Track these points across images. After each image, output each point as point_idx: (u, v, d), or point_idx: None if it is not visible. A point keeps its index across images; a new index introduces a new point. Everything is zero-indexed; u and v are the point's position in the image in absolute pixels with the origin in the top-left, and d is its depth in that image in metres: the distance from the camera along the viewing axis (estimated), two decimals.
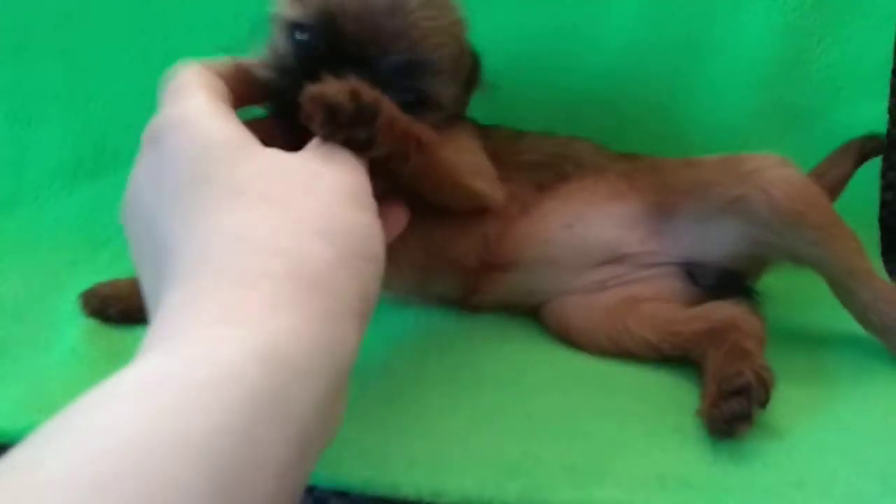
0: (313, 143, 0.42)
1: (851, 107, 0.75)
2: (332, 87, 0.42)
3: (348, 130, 0.42)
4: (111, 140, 0.76)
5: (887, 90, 0.75)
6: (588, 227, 0.62)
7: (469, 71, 0.59)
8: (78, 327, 0.58)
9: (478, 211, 0.60)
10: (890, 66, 0.74)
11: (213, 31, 0.74)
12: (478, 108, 0.65)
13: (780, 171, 0.57)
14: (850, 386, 0.55)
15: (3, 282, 0.66)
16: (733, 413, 0.47)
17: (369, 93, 0.43)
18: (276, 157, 0.38)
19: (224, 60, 0.47)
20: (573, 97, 0.76)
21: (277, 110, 0.49)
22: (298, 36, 0.50)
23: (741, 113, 0.75)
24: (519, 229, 0.62)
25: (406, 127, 0.46)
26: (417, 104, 0.51)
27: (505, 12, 0.75)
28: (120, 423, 0.24)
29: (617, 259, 0.62)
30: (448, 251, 0.61)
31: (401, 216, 0.49)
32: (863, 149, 0.74)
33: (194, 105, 0.39)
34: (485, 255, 0.62)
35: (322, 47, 0.49)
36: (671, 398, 0.53)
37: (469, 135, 0.61)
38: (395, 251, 0.44)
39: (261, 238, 0.33)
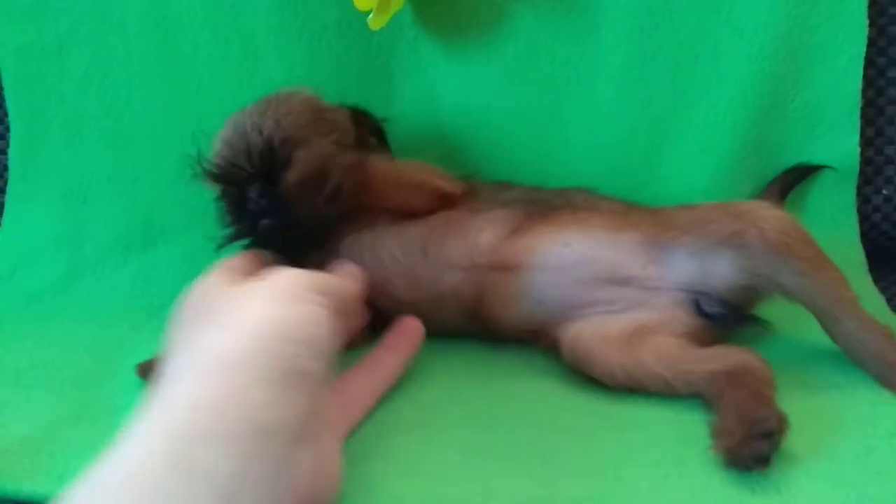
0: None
1: (826, 142, 0.81)
2: (299, 165, 0.65)
3: (334, 183, 0.65)
4: (157, 215, 0.85)
5: (858, 125, 0.81)
6: (585, 246, 0.66)
7: (345, 121, 0.72)
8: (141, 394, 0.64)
9: (446, 205, 0.70)
10: (860, 103, 0.80)
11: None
12: (471, 165, 0.72)
13: (771, 212, 0.64)
14: (850, 416, 0.57)
15: (71, 352, 0.72)
16: (760, 454, 0.50)
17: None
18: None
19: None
20: (564, 148, 0.82)
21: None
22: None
23: (725, 154, 0.81)
24: (513, 243, 0.67)
25: (347, 161, 0.67)
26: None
27: (497, 69, 0.82)
28: None
29: (621, 281, 0.65)
30: (439, 248, 0.67)
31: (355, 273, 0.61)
32: (784, 182, 0.82)
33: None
34: (479, 259, 0.67)
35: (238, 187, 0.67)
36: (675, 432, 0.57)
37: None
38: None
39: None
